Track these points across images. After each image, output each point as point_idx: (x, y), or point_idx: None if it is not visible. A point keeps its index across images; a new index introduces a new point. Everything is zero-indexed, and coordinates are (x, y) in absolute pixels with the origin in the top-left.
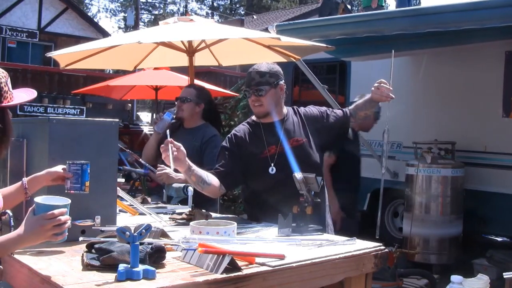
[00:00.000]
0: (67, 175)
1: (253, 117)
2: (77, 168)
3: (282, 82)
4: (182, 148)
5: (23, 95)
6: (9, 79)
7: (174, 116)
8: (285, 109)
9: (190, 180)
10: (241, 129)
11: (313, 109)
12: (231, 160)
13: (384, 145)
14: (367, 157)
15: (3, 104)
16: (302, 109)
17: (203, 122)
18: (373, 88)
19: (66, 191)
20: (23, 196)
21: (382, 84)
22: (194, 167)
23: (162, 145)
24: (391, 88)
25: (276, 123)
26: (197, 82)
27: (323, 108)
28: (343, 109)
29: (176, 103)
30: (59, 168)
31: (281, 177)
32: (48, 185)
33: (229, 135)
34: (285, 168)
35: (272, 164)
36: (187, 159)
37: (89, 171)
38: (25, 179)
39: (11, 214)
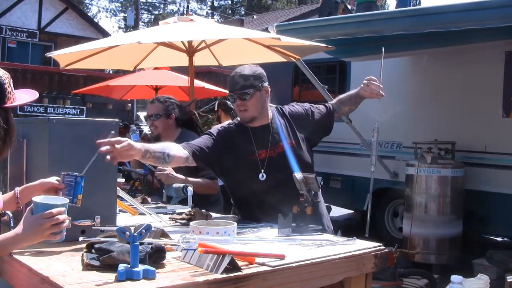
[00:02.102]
0: (59, 186)
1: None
2: (70, 179)
3: (266, 84)
4: (122, 139)
5: (25, 96)
6: (11, 79)
7: (141, 134)
8: (270, 111)
9: (148, 162)
10: (231, 128)
11: (297, 107)
12: (210, 143)
13: (373, 143)
14: (367, 157)
15: (7, 105)
16: (286, 108)
17: (180, 131)
18: (362, 85)
19: None
20: (14, 205)
21: (372, 81)
22: (150, 149)
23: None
24: (381, 86)
25: (264, 127)
26: (197, 82)
27: (307, 105)
28: (326, 104)
29: (147, 122)
30: (53, 179)
31: (271, 183)
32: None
33: (220, 128)
34: (275, 174)
35: (262, 171)
36: (136, 145)
37: (83, 184)
38: (17, 189)
39: (11, 215)
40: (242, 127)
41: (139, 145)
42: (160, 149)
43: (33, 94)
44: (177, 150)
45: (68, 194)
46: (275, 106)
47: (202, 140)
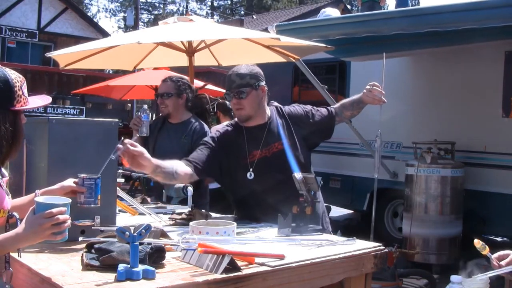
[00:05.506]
0: (80, 189)
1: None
2: (91, 182)
3: (263, 83)
4: (140, 149)
5: (39, 101)
6: (25, 83)
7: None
8: (268, 111)
9: (156, 179)
10: (226, 131)
11: (297, 108)
12: (208, 154)
13: (376, 150)
14: (366, 157)
15: (16, 108)
16: (286, 109)
17: (190, 115)
18: (365, 90)
19: (78, 205)
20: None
21: (374, 87)
22: (160, 164)
23: (119, 146)
24: (383, 92)
25: (260, 127)
26: (196, 82)
27: (308, 107)
28: (328, 107)
29: (157, 100)
30: (71, 182)
31: (259, 182)
32: None
33: (214, 134)
34: (269, 174)
35: (251, 170)
36: (150, 159)
37: (100, 184)
38: (38, 192)
39: (18, 216)
40: (237, 128)
41: (152, 159)
42: (169, 166)
43: (47, 99)
44: (183, 168)
45: (90, 196)
46: (275, 105)
47: (201, 153)
